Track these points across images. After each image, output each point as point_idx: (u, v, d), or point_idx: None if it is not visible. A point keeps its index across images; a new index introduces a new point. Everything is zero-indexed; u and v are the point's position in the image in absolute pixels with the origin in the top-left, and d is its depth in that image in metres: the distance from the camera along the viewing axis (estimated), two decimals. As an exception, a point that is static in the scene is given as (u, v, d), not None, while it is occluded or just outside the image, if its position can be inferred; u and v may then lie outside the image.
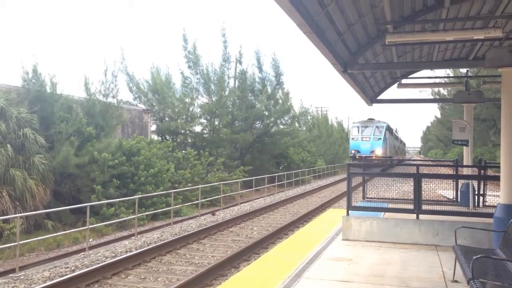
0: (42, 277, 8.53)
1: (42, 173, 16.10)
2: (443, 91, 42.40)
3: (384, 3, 7.25)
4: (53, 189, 17.21)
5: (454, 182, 11.80)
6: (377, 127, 42.08)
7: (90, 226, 12.49)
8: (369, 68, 10.13)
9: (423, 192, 9.28)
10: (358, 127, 42.81)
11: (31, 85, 18.67)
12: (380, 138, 41.26)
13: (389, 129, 45.07)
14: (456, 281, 6.15)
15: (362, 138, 41.64)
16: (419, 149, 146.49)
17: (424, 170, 12.14)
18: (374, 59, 10.62)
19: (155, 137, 28.37)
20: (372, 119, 43.51)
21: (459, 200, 11.35)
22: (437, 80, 18.07)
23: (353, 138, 42.86)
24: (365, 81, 11.88)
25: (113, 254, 10.46)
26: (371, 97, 13.22)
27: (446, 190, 13.10)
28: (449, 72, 30.97)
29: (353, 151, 41.09)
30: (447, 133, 54.54)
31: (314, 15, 6.24)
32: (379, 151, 40.28)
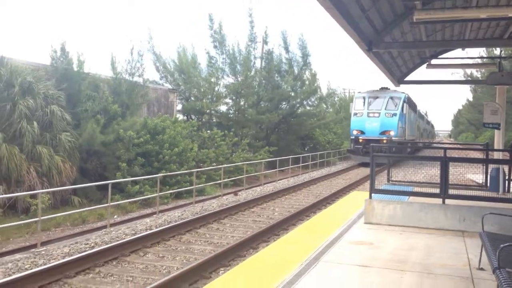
0: (62, 253, 8.61)
1: (68, 151, 16.31)
2: (476, 73, 41.04)
3: (413, -23, 6.89)
4: (79, 166, 17.46)
5: (484, 167, 11.38)
6: (391, 98, 30.08)
7: (112, 203, 12.61)
8: (395, 46, 9.71)
9: (451, 176, 8.98)
10: (363, 98, 30.99)
11: (59, 63, 18.85)
12: (395, 114, 29.21)
13: (409, 102, 33.16)
14: (481, 269, 5.89)
15: (368, 113, 29.88)
16: (449, 132, 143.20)
17: (453, 153, 11.77)
18: (401, 38, 10.18)
19: (180, 116, 28.42)
20: (385, 88, 31.86)
21: (488, 185, 10.95)
22: (470, 61, 17.40)
23: (355, 114, 30.83)
24: (392, 61, 11.45)
25: (133, 232, 10.51)
26: (399, 78, 12.80)
27: (475, 175, 12.69)
28: (482, 53, 29.90)
29: (354, 132, 30.26)
30: (478, 116, 52.91)
31: (336, -12, 5.94)
32: (394, 132, 28.66)
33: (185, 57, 29.71)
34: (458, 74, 39.82)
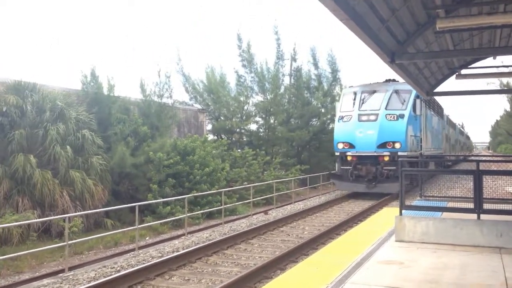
0: (88, 278, 8.59)
1: (100, 174, 16.54)
2: (513, 81, 39.59)
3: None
4: (111, 189, 17.67)
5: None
6: (396, 92, 19.87)
7: (141, 226, 12.63)
8: (420, 57, 9.38)
9: (489, 190, 8.57)
10: (354, 93, 20.66)
11: (90, 87, 19.29)
12: (401, 116, 19.22)
13: (427, 100, 22.23)
14: (520, 289, 5.52)
15: (360, 116, 19.81)
16: (487, 144, 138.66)
17: (492, 166, 11.31)
18: (426, 48, 9.87)
19: (210, 136, 28.59)
20: (391, 79, 21.41)
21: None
22: (505, 70, 16.71)
23: (341, 118, 20.70)
24: (418, 72, 11.11)
25: (160, 254, 10.44)
26: (427, 90, 12.38)
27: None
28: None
29: (340, 146, 20.40)
30: (517, 127, 51.13)
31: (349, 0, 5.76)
32: (401, 144, 18.95)
33: (213, 77, 30.06)
34: (494, 84, 38.44)
